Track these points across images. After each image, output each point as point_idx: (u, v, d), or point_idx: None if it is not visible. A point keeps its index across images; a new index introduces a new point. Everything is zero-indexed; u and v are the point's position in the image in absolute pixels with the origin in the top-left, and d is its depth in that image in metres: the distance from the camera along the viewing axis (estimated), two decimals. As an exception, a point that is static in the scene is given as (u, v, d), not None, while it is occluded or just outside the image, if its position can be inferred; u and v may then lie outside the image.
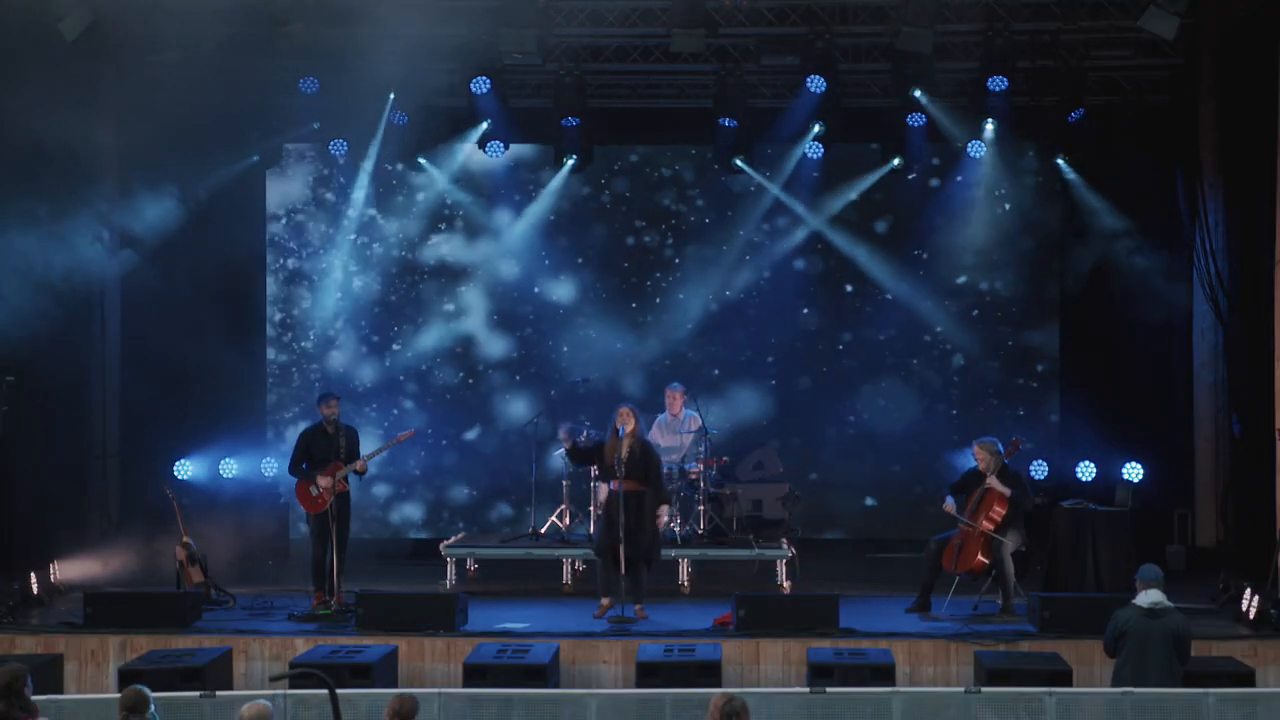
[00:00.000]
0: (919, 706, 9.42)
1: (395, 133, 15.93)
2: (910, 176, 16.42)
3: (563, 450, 13.57)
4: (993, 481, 12.72)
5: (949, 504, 12.91)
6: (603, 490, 13.29)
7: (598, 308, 17.06)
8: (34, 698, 8.14)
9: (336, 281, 17.01)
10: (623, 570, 12.43)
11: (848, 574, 14.86)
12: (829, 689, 9.68)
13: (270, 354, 17.05)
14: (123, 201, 15.28)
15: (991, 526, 12.64)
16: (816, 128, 15.81)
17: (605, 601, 12.60)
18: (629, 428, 12.56)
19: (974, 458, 12.97)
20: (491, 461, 16.91)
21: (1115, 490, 14.87)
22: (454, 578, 14.16)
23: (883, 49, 15.50)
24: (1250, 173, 13.80)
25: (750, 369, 16.99)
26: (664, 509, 12.82)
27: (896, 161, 16.12)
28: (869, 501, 17.00)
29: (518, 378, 17.09)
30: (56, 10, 13.51)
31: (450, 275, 17.14)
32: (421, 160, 16.44)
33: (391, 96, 15.53)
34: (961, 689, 9.92)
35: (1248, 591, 12.25)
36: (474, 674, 10.83)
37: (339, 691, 7.45)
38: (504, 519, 16.72)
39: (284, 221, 17.05)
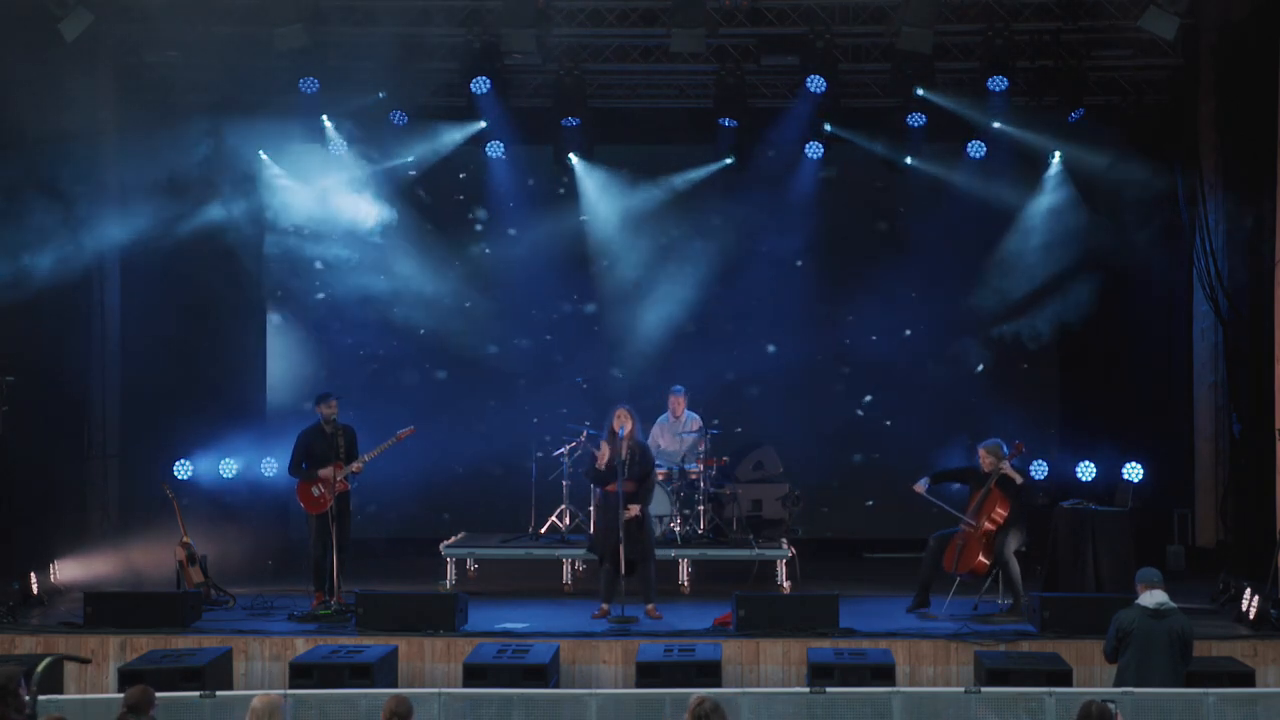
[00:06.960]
0: (919, 706, 9.41)
1: (395, 132, 15.93)
2: (910, 175, 16.45)
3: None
4: (1005, 467, 12.67)
5: (920, 484, 12.84)
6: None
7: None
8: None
9: (337, 280, 17.00)
10: (624, 571, 12.41)
11: (848, 574, 14.88)
12: (829, 689, 9.65)
13: (271, 355, 17.01)
14: (122, 201, 15.27)
15: (994, 527, 12.62)
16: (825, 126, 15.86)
17: (605, 606, 12.57)
18: (628, 429, 12.53)
19: (979, 459, 12.91)
20: (492, 461, 16.88)
21: (1115, 490, 14.85)
22: (454, 578, 14.16)
23: (883, 49, 15.51)
24: (1250, 173, 13.80)
25: (749, 367, 16.98)
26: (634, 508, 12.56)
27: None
28: (869, 502, 16.98)
29: (522, 375, 17.09)
30: (56, 10, 13.52)
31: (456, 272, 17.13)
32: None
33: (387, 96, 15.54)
34: (961, 689, 9.90)
35: (1248, 591, 12.25)
36: (474, 674, 10.81)
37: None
38: (504, 519, 16.66)
39: (285, 219, 16.98)
